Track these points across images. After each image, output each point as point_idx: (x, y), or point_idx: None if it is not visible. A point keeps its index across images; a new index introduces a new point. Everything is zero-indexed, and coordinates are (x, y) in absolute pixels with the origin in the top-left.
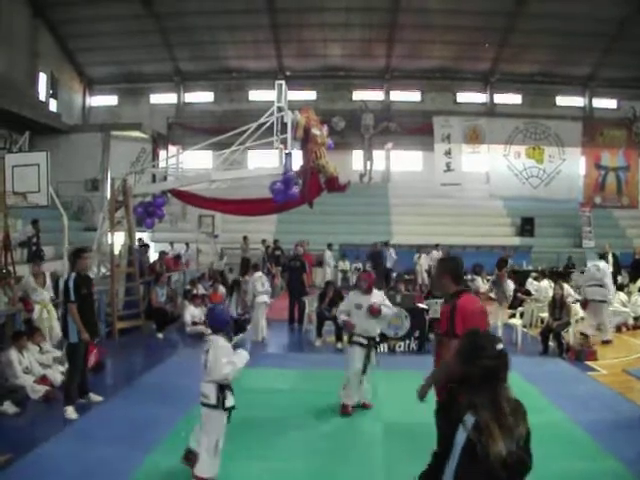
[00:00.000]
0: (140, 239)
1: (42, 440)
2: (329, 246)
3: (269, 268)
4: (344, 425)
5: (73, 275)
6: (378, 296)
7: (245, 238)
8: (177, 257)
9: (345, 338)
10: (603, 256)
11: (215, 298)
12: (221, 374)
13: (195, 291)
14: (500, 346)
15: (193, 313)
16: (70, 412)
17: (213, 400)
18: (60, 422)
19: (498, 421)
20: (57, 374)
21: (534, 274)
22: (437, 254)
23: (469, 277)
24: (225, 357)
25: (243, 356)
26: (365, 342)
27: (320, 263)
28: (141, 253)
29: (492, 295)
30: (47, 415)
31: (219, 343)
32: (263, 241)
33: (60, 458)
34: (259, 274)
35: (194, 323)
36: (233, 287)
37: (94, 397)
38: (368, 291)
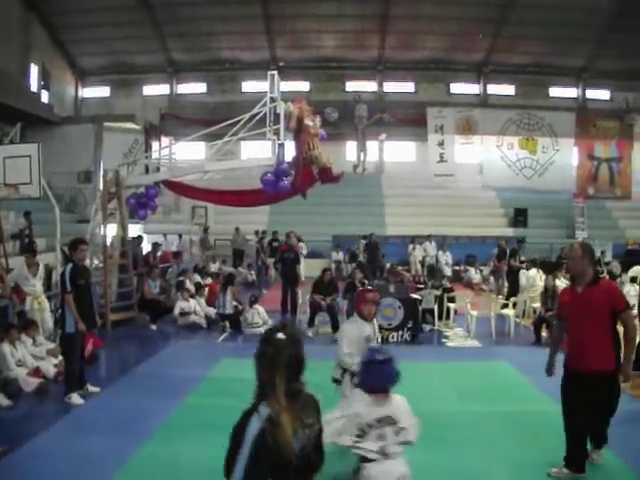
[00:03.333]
0: (139, 236)
1: (36, 432)
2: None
3: (263, 259)
4: None
5: (70, 266)
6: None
7: (237, 229)
8: (177, 253)
9: None
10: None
11: (214, 288)
12: None
13: (188, 282)
14: (280, 335)
15: (182, 306)
16: (75, 398)
17: None
18: (54, 414)
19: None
20: (50, 366)
21: (524, 264)
22: (430, 245)
23: (462, 268)
24: None
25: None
26: None
27: (314, 255)
28: (134, 245)
29: (484, 287)
30: (41, 407)
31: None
32: (256, 232)
33: (54, 450)
34: (257, 306)
35: (183, 314)
36: (227, 281)
37: (92, 388)
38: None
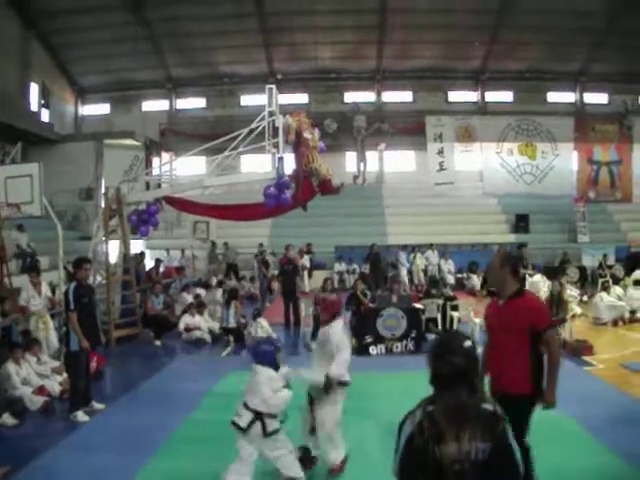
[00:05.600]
0: (142, 252)
1: (42, 451)
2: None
3: (264, 272)
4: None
5: (74, 284)
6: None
7: (226, 244)
8: (180, 268)
9: None
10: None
11: None
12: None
13: (193, 297)
14: (468, 343)
15: (187, 321)
16: (81, 416)
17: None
18: (59, 432)
19: (452, 422)
20: (55, 384)
21: (529, 271)
22: (432, 254)
23: (465, 275)
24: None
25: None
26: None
27: (318, 266)
28: (137, 261)
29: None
30: (46, 425)
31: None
32: (260, 245)
33: (60, 468)
34: (260, 319)
35: (188, 330)
36: (230, 295)
37: (97, 405)
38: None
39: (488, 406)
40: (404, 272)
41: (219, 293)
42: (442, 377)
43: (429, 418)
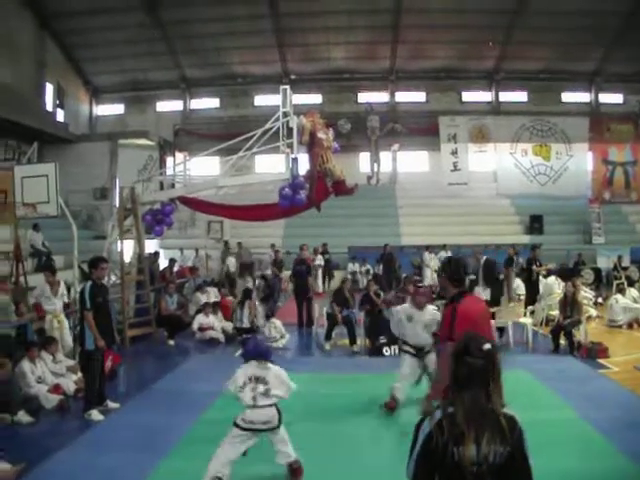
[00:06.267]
0: (156, 252)
1: (56, 449)
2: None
3: (276, 272)
4: (356, 428)
5: (89, 284)
6: (430, 311)
7: (239, 244)
8: (193, 268)
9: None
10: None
11: (225, 303)
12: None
13: (206, 298)
14: (487, 346)
15: (201, 321)
16: (95, 415)
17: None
18: (74, 430)
19: (472, 424)
20: (70, 383)
21: (543, 272)
22: (446, 255)
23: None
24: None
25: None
26: (413, 352)
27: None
28: (151, 261)
29: None
30: (61, 424)
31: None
32: (272, 245)
33: (74, 466)
34: (274, 319)
35: (202, 329)
36: (244, 296)
37: (111, 404)
38: (422, 306)
39: (507, 410)
40: (428, 273)
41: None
42: (461, 379)
43: (449, 419)
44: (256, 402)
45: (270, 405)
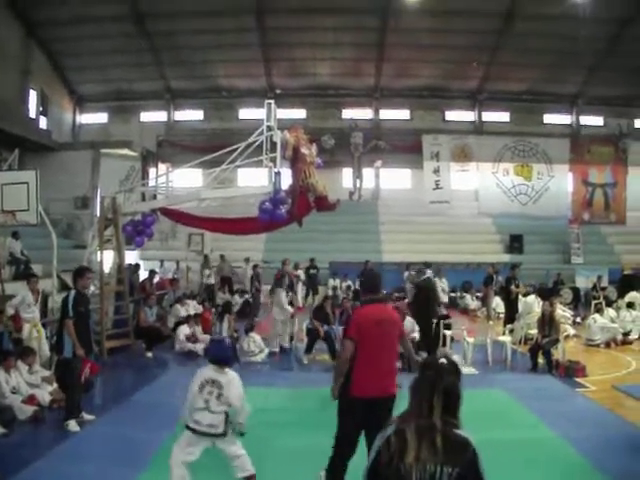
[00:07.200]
0: (136, 264)
1: (31, 460)
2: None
3: (257, 287)
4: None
5: (73, 292)
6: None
7: (222, 257)
8: (174, 280)
9: None
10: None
11: (206, 315)
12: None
13: (185, 311)
14: (442, 360)
15: (186, 332)
16: (72, 426)
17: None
18: (49, 442)
19: (420, 441)
20: (45, 394)
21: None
22: (428, 272)
23: (458, 294)
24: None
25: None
26: None
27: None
28: (131, 272)
29: (479, 313)
30: (36, 435)
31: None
32: (246, 259)
33: (50, 478)
34: (253, 334)
35: (188, 339)
36: (224, 309)
37: (87, 416)
38: None
39: (460, 432)
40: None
41: None
42: (414, 389)
43: (398, 434)
44: (208, 405)
45: (220, 412)
